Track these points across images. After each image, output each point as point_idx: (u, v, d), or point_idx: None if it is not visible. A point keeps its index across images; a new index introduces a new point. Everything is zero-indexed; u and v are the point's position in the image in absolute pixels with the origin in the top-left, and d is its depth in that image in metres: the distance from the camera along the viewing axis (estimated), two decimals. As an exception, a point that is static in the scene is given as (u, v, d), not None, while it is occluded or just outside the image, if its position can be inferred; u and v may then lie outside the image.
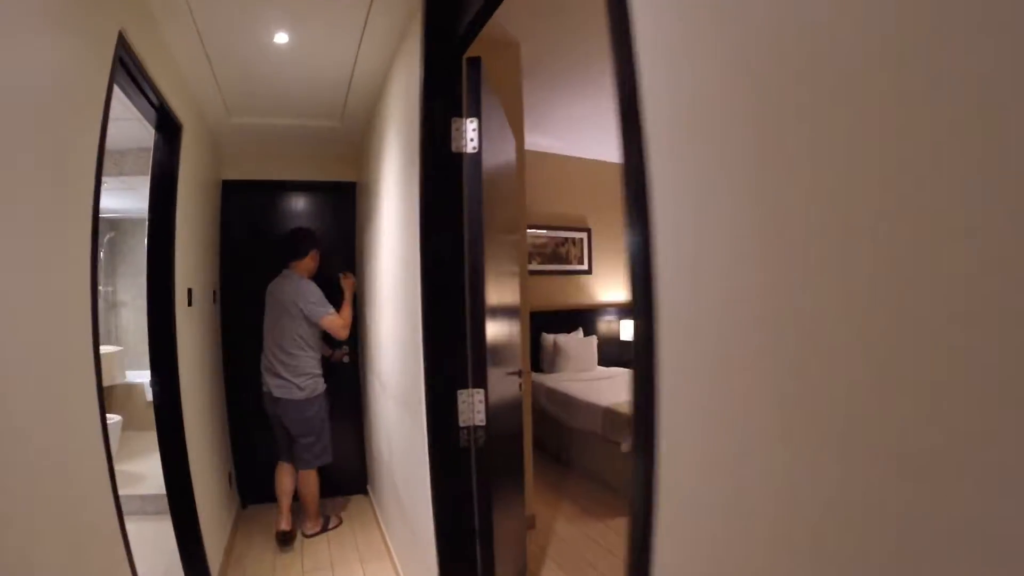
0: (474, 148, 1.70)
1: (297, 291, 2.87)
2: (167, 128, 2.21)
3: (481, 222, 1.69)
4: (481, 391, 1.69)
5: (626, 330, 5.25)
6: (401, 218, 2.16)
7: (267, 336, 2.95)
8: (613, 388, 3.92)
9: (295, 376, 2.86)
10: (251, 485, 3.37)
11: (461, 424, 1.70)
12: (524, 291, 2.84)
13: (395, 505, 2.57)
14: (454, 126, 1.70)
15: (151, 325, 2.14)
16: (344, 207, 3.65)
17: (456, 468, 1.72)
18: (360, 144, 3.45)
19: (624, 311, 5.32)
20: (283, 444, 2.98)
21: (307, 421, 2.88)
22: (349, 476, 3.54)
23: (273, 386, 2.88)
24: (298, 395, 2.85)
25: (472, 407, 1.69)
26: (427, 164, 1.70)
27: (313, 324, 2.87)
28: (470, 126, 1.69)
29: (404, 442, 2.27)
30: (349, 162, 3.59)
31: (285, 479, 2.97)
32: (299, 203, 3.63)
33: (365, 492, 3.58)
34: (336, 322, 2.88)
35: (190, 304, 2.45)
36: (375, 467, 3.24)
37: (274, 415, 2.93)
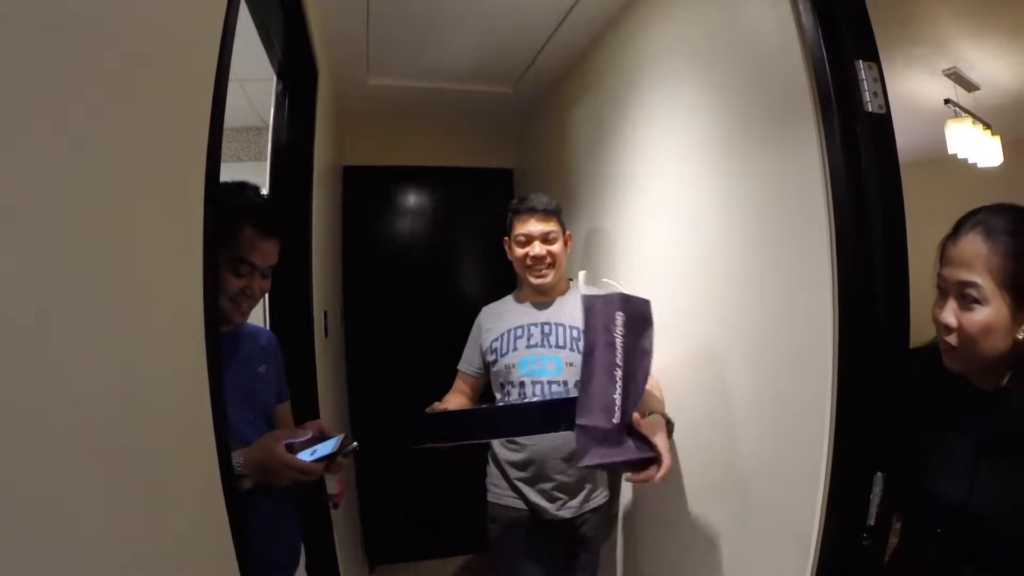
0: (880, 108, 1.00)
1: None
2: (297, 76, 1.47)
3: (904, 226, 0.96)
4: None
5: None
6: (734, 219, 1.21)
7: None
8: None
9: None
10: (379, 544, 2.68)
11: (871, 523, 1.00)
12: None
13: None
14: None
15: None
16: (498, 200, 2.46)
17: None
18: (528, 120, 2.68)
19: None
20: None
21: None
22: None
23: None
24: None
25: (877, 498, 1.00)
26: (846, 129, 0.97)
27: None
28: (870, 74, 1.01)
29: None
30: (507, 145, 2.91)
31: None
32: (433, 195, 2.85)
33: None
34: None
35: (327, 334, 1.72)
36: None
37: None
